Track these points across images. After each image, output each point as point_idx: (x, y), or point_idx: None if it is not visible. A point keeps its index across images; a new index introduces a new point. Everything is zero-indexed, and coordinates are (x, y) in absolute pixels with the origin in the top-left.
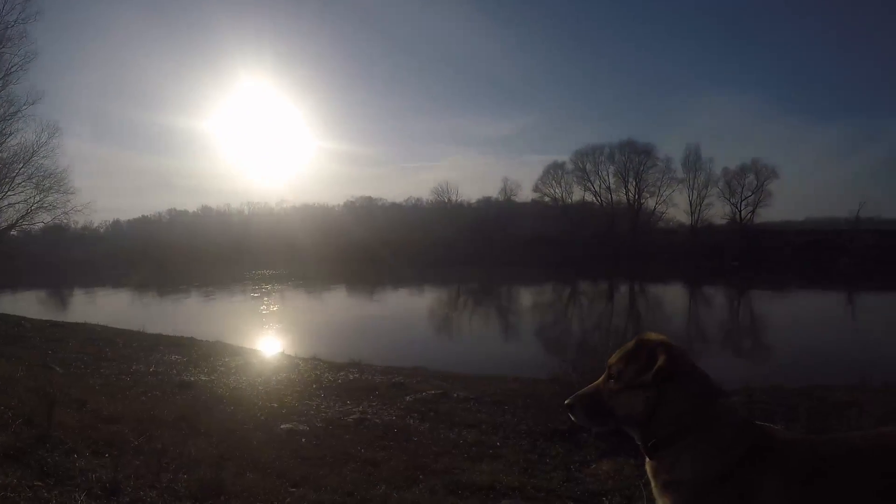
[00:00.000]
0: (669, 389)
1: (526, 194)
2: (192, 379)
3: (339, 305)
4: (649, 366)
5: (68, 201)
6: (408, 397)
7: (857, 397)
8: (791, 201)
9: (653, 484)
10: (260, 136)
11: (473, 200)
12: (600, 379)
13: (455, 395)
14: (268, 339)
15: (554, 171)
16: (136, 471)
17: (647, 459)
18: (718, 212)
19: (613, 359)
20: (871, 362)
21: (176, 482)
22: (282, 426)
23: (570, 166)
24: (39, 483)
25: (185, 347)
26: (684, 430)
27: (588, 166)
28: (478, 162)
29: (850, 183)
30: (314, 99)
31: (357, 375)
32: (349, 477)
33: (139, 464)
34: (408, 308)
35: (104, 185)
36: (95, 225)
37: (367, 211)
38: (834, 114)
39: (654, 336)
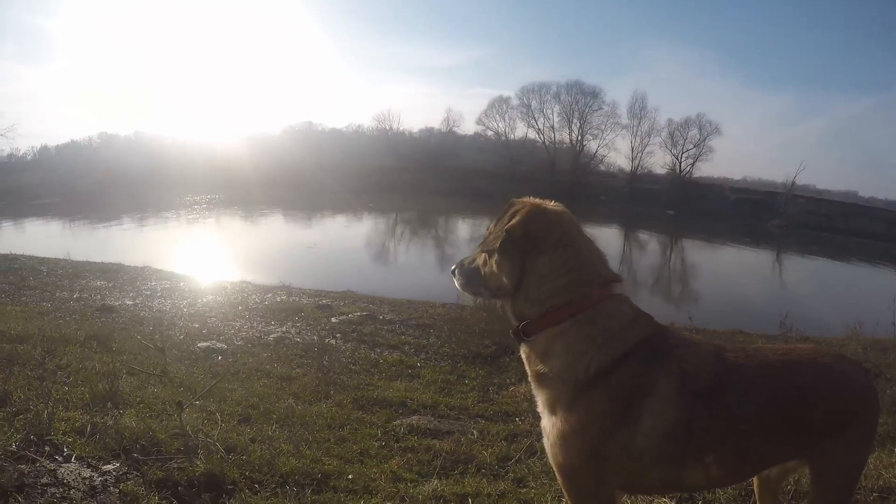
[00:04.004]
0: (537, 258)
1: (469, 127)
2: (115, 303)
3: (274, 231)
4: None
5: None
6: (333, 319)
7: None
8: (731, 159)
9: (528, 374)
10: (197, 59)
11: (416, 130)
12: None
13: (381, 317)
14: (198, 263)
15: (498, 105)
16: (30, 383)
17: (522, 343)
18: (659, 161)
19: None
20: (792, 315)
21: (71, 394)
22: (199, 344)
23: (515, 101)
24: None
25: (111, 273)
26: (557, 311)
27: (533, 103)
28: (422, 91)
29: (789, 150)
30: (255, 20)
31: (284, 298)
32: (258, 391)
33: (34, 377)
34: (343, 234)
35: (31, 109)
36: (22, 152)
37: (306, 136)
38: (783, 83)
39: (531, 199)
